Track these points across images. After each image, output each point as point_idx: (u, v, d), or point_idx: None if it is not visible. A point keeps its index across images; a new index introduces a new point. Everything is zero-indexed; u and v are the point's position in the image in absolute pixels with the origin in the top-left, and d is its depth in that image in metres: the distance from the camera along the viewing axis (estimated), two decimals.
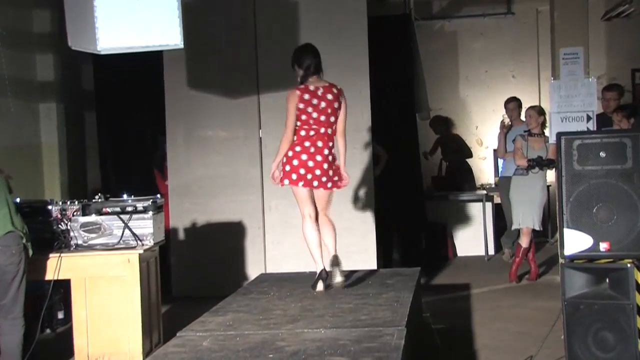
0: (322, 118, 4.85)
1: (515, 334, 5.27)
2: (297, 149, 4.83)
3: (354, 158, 6.54)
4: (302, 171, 4.81)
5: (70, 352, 4.75)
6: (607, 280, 3.97)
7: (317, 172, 4.83)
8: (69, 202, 4.85)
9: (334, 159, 4.95)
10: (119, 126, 8.11)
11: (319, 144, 4.84)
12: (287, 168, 4.83)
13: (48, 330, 5.82)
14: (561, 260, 4.16)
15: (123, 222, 4.76)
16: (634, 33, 9.00)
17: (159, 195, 5.10)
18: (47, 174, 7.08)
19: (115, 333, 4.63)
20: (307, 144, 4.83)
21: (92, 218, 4.79)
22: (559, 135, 4.16)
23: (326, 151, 4.87)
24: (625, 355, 3.85)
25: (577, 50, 5.81)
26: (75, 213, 4.78)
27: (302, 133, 4.84)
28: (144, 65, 7.10)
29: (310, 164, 4.82)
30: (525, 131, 7.16)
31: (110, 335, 4.63)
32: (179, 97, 7.12)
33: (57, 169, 7.13)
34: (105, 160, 8.11)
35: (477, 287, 6.94)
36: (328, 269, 4.88)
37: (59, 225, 4.75)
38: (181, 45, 4.70)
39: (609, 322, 3.89)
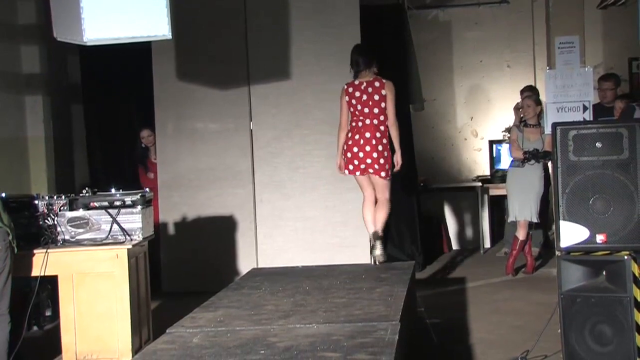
0: (366, 110, 5.48)
1: (511, 328, 5.22)
2: (350, 142, 5.51)
3: None
4: (356, 162, 5.51)
5: (58, 350, 4.68)
6: (604, 273, 3.93)
7: (369, 160, 5.48)
8: (55, 197, 4.75)
9: (384, 147, 5.50)
10: (107, 119, 8.01)
11: (367, 134, 5.46)
12: (345, 159, 5.56)
13: (35, 328, 5.73)
14: (557, 253, 4.11)
15: (111, 216, 4.67)
16: (631, 21, 8.90)
17: (147, 189, 5.02)
18: (33, 168, 6.97)
19: (104, 330, 4.55)
20: (357, 136, 5.49)
21: (80, 213, 4.70)
22: (555, 125, 4.10)
23: (374, 141, 5.45)
24: (623, 348, 3.81)
25: (573, 39, 5.72)
26: (62, 208, 4.69)
27: (353, 124, 5.53)
28: (132, 57, 7.00)
29: (361, 154, 5.48)
30: (520, 121, 7.08)
31: (98, 332, 4.55)
32: (168, 88, 7.04)
33: (43, 163, 7.03)
34: (93, 153, 8.01)
35: (473, 281, 6.89)
36: (372, 242, 5.59)
37: (46, 221, 4.66)
38: (169, 36, 4.60)
39: (606, 315, 3.86)
